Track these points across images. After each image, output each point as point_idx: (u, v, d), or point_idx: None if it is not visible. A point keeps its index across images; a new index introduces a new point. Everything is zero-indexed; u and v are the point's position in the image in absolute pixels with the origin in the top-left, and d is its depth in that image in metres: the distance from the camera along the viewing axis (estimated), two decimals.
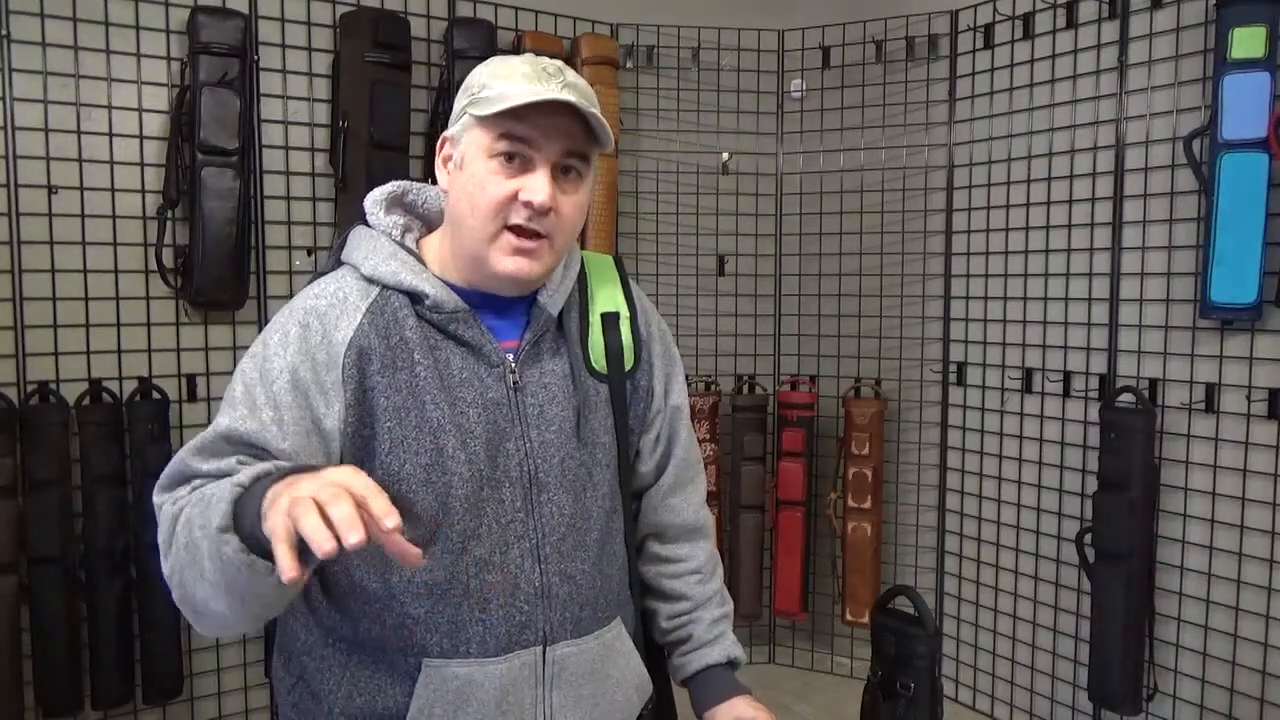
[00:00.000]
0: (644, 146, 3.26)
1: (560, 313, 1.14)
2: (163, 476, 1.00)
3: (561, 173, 1.05)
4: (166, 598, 0.97)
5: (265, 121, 2.60)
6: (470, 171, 1.05)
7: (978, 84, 2.94)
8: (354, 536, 0.75)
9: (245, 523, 0.85)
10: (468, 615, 1.04)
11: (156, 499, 0.99)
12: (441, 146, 1.10)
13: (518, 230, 1.04)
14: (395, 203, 1.17)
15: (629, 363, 1.19)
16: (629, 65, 3.18)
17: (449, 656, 1.04)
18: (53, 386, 2.36)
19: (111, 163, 2.44)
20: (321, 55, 2.68)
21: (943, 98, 3.03)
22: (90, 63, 2.41)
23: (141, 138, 2.47)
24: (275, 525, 0.78)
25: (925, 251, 3.12)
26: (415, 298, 1.07)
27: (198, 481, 0.98)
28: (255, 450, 0.99)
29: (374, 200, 1.15)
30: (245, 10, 2.52)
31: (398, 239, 1.13)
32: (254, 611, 0.92)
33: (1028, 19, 2.79)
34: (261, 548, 0.83)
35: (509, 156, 1.03)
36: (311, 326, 1.05)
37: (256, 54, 2.55)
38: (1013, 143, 2.85)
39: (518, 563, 1.06)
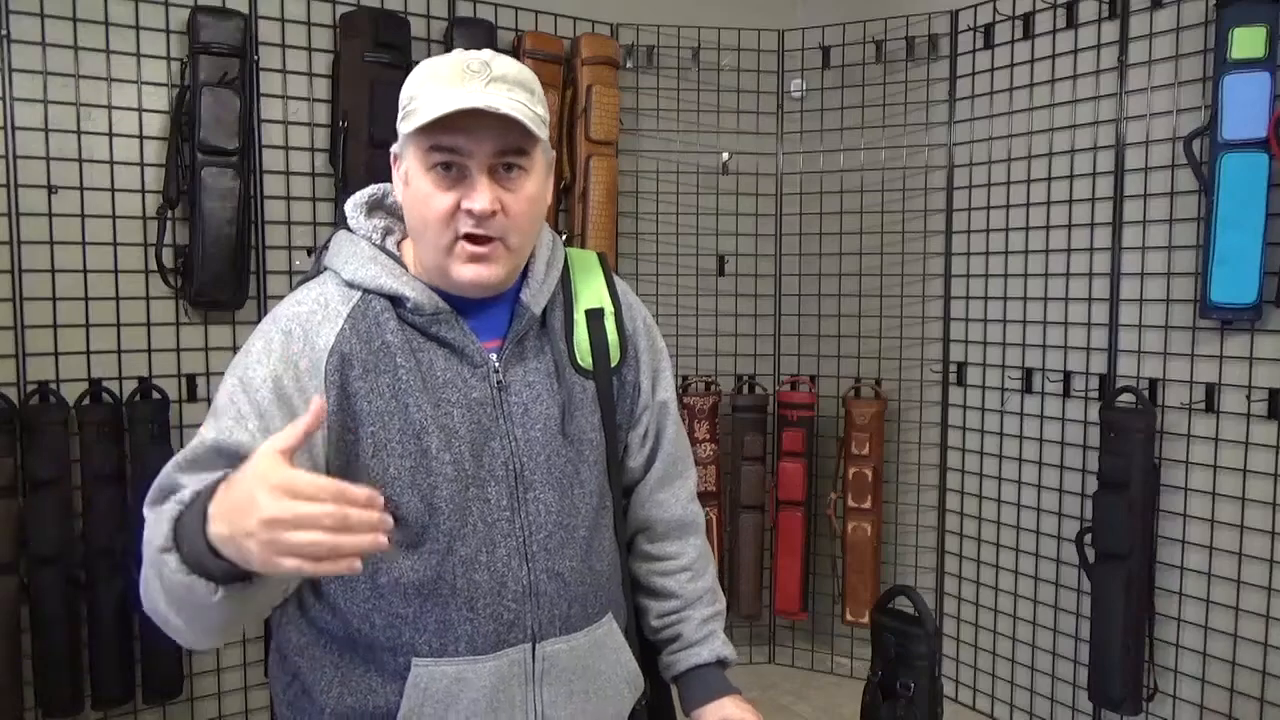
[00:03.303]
0: (644, 146, 3.26)
1: (545, 311, 1.14)
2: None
3: (503, 170, 1.04)
4: None
5: (265, 121, 2.60)
6: (414, 186, 1.05)
7: (978, 84, 2.94)
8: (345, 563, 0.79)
9: (185, 542, 0.87)
10: (455, 614, 1.04)
11: (145, 512, 0.98)
12: (395, 162, 1.11)
13: (469, 237, 1.04)
14: (376, 205, 1.17)
15: (615, 358, 1.19)
16: (629, 65, 3.18)
17: (438, 655, 1.04)
18: (53, 386, 2.36)
19: (111, 163, 2.44)
20: (321, 55, 2.68)
21: (943, 98, 3.03)
22: (90, 63, 2.41)
23: (141, 138, 2.47)
24: (267, 562, 0.80)
25: (925, 251, 3.12)
26: (396, 301, 1.08)
27: (182, 495, 0.97)
28: (242, 462, 0.98)
29: (354, 204, 1.15)
30: (245, 10, 2.53)
31: (378, 242, 1.13)
32: (203, 628, 0.94)
33: (1028, 19, 2.78)
34: (202, 567, 0.86)
35: (445, 166, 1.02)
36: (294, 334, 1.06)
37: (256, 54, 2.56)
38: (1013, 143, 2.85)
39: (505, 561, 1.06)
